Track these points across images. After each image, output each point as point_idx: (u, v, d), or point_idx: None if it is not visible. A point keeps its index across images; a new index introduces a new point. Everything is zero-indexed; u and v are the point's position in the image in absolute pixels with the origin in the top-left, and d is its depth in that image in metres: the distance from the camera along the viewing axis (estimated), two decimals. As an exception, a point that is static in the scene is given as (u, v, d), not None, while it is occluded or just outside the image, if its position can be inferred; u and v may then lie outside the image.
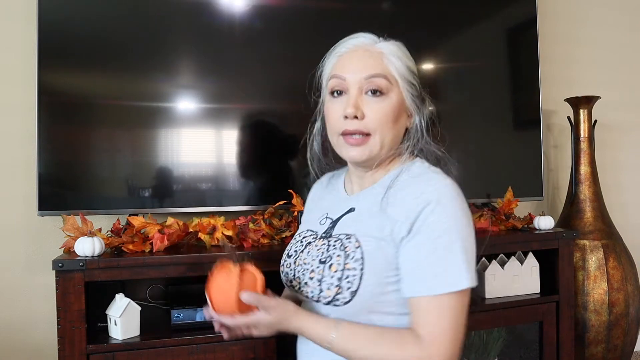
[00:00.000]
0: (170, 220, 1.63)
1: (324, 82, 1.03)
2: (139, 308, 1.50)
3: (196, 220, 1.67)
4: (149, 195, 1.77)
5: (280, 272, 1.07)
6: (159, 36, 1.80)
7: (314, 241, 1.01)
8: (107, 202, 1.74)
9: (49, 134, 1.68)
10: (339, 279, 0.90)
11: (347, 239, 0.94)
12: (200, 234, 1.64)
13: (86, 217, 1.57)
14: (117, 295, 1.48)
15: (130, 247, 1.55)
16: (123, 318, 1.45)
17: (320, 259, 0.95)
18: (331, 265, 0.92)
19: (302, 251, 1.02)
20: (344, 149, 0.97)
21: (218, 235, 1.63)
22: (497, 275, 1.85)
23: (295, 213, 1.72)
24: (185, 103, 1.82)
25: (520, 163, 2.20)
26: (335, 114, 0.97)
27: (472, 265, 0.87)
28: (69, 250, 1.56)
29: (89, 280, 1.43)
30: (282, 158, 1.91)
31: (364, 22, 2.00)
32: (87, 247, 1.45)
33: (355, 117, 0.93)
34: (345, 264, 0.90)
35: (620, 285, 2.08)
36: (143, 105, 1.78)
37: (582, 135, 2.21)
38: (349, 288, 0.89)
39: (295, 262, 1.02)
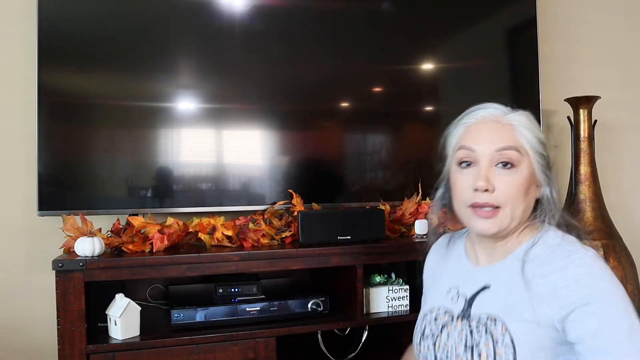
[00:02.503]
0: (170, 220, 1.63)
1: (450, 152, 1.03)
2: (139, 308, 1.50)
3: (196, 220, 1.67)
4: (149, 196, 1.77)
5: (416, 352, 1.05)
6: (159, 36, 1.80)
7: (452, 322, 0.98)
8: (107, 202, 1.74)
9: (49, 134, 1.68)
10: None
11: (491, 322, 0.91)
12: (200, 234, 1.64)
13: (86, 217, 1.57)
14: (117, 295, 1.48)
15: (130, 247, 1.55)
16: (123, 318, 1.45)
17: (465, 344, 0.93)
18: (480, 353, 0.90)
19: (439, 333, 1.00)
20: (474, 221, 0.96)
21: (218, 235, 1.63)
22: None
23: (295, 213, 1.71)
24: (185, 103, 1.82)
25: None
26: (464, 185, 0.96)
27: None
28: (69, 250, 1.56)
29: (89, 280, 1.42)
30: (282, 158, 1.91)
31: (364, 22, 2.04)
32: (87, 247, 1.45)
33: (486, 190, 0.92)
34: (495, 352, 0.88)
35: (620, 285, 2.07)
36: (143, 105, 1.78)
37: (582, 135, 2.21)
38: None
39: (435, 345, 1.00)
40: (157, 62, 1.79)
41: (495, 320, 0.90)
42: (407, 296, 1.71)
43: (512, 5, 2.26)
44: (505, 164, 0.93)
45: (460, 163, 0.97)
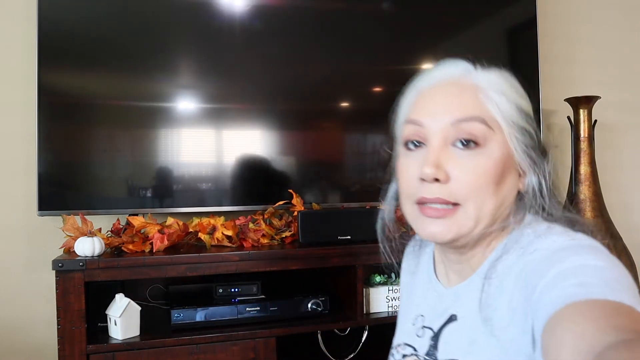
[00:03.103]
0: (170, 220, 1.63)
1: (397, 129, 0.76)
2: (139, 308, 1.50)
3: (196, 220, 1.67)
4: (149, 196, 1.77)
5: None
6: (159, 36, 1.80)
7: None
8: (107, 202, 1.74)
9: (49, 134, 1.68)
10: None
11: None
12: (200, 234, 1.64)
13: (86, 217, 1.57)
14: (117, 295, 1.48)
15: (130, 247, 1.55)
16: (123, 318, 1.45)
17: None
18: None
19: None
20: (420, 224, 0.69)
21: (218, 235, 1.63)
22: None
23: (295, 213, 1.72)
24: (185, 103, 1.82)
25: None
26: (409, 173, 0.70)
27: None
28: (69, 250, 1.56)
29: (89, 280, 1.43)
30: (282, 158, 1.91)
31: (364, 22, 2.04)
32: (87, 247, 1.45)
33: (437, 179, 0.66)
34: None
35: (620, 285, 2.07)
36: (143, 105, 1.78)
37: (582, 135, 2.21)
38: None
39: None
40: (157, 62, 1.79)
41: None
42: (407, 296, 1.71)
43: (512, 4, 2.26)
44: (466, 143, 0.66)
45: (407, 143, 0.71)
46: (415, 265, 0.88)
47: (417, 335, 0.77)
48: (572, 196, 2.20)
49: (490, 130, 0.66)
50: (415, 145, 0.70)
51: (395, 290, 1.70)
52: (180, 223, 1.63)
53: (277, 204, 1.77)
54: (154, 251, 1.56)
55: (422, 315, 0.78)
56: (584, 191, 2.19)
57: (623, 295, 0.50)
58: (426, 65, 2.11)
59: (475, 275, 0.71)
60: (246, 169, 1.87)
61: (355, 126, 2.05)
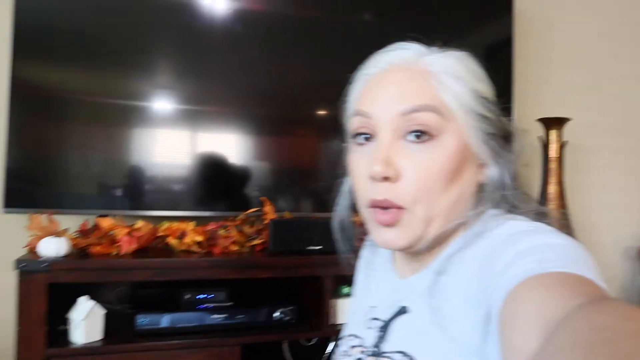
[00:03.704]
0: (139, 223, 1.61)
1: (346, 121, 0.70)
2: (103, 311, 1.47)
3: (166, 224, 1.65)
4: (120, 196, 1.74)
5: None
6: (138, 34, 1.78)
7: (363, 359, 0.71)
8: (76, 201, 1.70)
9: (19, 128, 1.64)
10: None
11: None
12: (169, 239, 1.62)
13: (55, 216, 1.53)
14: (80, 298, 1.45)
15: (98, 249, 1.53)
16: (86, 321, 1.42)
17: None
18: None
19: None
20: (374, 230, 0.64)
21: (187, 240, 1.62)
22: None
23: (267, 221, 1.71)
24: (162, 103, 1.81)
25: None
26: (359, 172, 0.65)
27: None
28: (33, 250, 1.52)
29: (53, 281, 1.40)
30: (257, 164, 1.91)
31: (345, 33, 2.04)
32: (52, 247, 1.42)
33: (387, 178, 0.60)
34: None
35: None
36: (119, 103, 1.76)
37: (551, 155, 2.26)
38: None
39: None
40: (135, 60, 1.77)
41: None
42: (374, 308, 1.72)
43: (490, 24, 2.30)
44: (419, 135, 0.60)
45: (356, 136, 0.65)
46: (372, 256, 0.82)
47: (367, 327, 0.73)
48: (540, 215, 2.25)
49: (445, 119, 0.60)
50: (366, 139, 0.64)
51: (363, 302, 1.71)
52: (150, 226, 1.61)
53: (248, 211, 1.76)
54: (121, 254, 1.54)
55: (373, 307, 0.74)
56: (552, 210, 2.23)
57: (584, 269, 0.49)
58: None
59: (428, 269, 0.66)
60: (220, 173, 1.86)
61: (332, 135, 2.05)
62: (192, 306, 1.60)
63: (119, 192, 1.75)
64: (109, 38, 1.75)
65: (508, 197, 0.64)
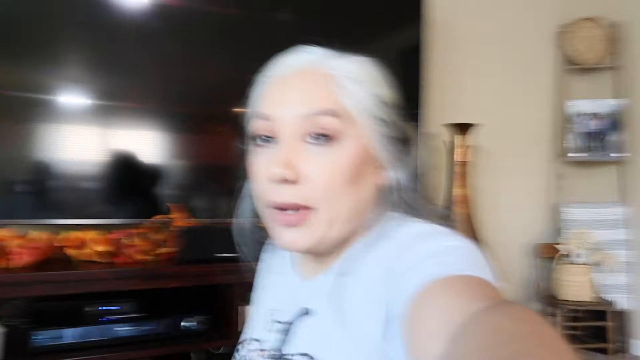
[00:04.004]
0: (32, 234, 1.51)
1: (247, 123, 0.69)
2: (3, 330, 1.36)
3: (63, 234, 1.56)
4: (17, 204, 1.63)
5: None
6: (47, 23, 1.68)
7: None
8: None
9: None
10: None
11: None
12: (67, 249, 1.53)
13: None
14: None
15: (-15, 262, 1.42)
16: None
17: None
18: None
19: None
20: (274, 232, 0.64)
21: (87, 250, 1.54)
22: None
23: (174, 228, 1.66)
24: (69, 97, 1.71)
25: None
26: (259, 173, 0.64)
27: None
28: None
29: None
30: (171, 163, 1.85)
31: (262, 31, 2.03)
32: None
33: (287, 180, 0.60)
34: None
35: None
36: (18, 95, 1.65)
37: (457, 159, 2.36)
38: None
39: None
40: (41, 50, 1.66)
41: None
42: (285, 314, 1.72)
43: (400, 31, 2.37)
44: (318, 137, 0.61)
45: (256, 139, 0.66)
46: (272, 257, 0.82)
47: (267, 330, 0.72)
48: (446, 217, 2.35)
49: (345, 123, 0.62)
50: (265, 141, 0.64)
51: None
52: (44, 236, 1.52)
53: (154, 218, 1.70)
54: (12, 267, 1.44)
55: (274, 310, 0.73)
56: (457, 212, 2.34)
57: (481, 271, 0.51)
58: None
59: (330, 270, 0.67)
60: (131, 176, 1.79)
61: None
62: (95, 319, 1.52)
63: (14, 198, 1.63)
64: (14, 26, 1.63)
65: (406, 200, 0.66)
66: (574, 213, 2.97)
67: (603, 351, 2.90)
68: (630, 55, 3.04)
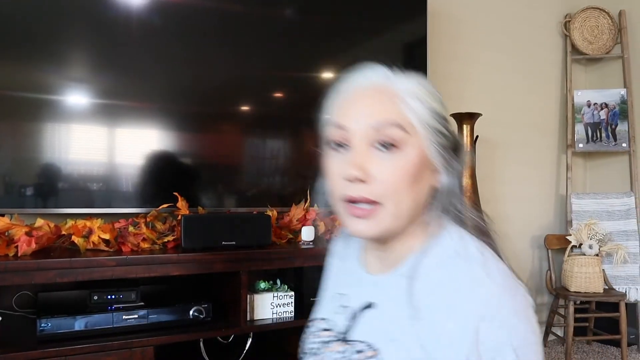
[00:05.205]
0: (39, 222, 1.51)
1: (323, 130, 0.81)
2: (-1, 318, 1.37)
3: (70, 222, 1.56)
4: (27, 194, 1.64)
5: None
6: (50, 23, 1.68)
7: (332, 342, 0.82)
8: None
9: None
10: None
11: (370, 355, 0.74)
12: (73, 237, 1.53)
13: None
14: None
15: (-8, 250, 1.42)
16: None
17: None
18: None
19: (319, 351, 0.84)
20: (348, 222, 0.76)
21: (94, 238, 1.54)
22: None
23: (179, 217, 1.66)
24: (76, 97, 1.72)
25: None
26: (335, 172, 0.76)
27: None
28: None
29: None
30: (171, 160, 1.85)
31: (266, 27, 2.03)
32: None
33: (360, 179, 0.72)
34: None
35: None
36: (28, 96, 1.66)
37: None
38: None
39: None
40: (47, 51, 1.67)
41: (374, 353, 0.74)
42: (292, 302, 1.71)
43: (405, 23, 2.36)
44: (386, 145, 0.73)
45: (332, 144, 0.77)
46: (343, 249, 0.94)
47: (335, 312, 0.84)
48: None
49: (407, 134, 0.73)
50: (340, 147, 0.76)
51: (281, 297, 1.70)
52: (52, 225, 1.52)
53: (159, 207, 1.70)
54: (19, 255, 1.44)
55: (342, 294, 0.85)
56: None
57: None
58: (326, 74, 2.14)
59: (396, 271, 0.77)
60: (136, 169, 1.79)
61: (253, 131, 2.04)
62: (102, 308, 1.52)
63: (26, 190, 1.65)
64: (17, 26, 1.64)
65: (454, 203, 0.78)
66: (584, 204, 2.94)
67: (615, 343, 2.87)
68: (638, 44, 3.01)
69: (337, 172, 0.75)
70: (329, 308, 0.87)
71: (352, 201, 0.73)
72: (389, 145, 0.72)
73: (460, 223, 0.78)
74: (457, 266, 0.73)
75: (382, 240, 0.78)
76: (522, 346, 0.69)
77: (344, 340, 0.79)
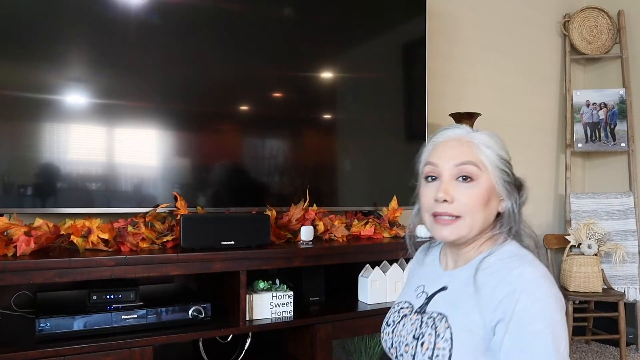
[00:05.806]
0: (38, 222, 1.51)
1: (420, 168, 1.11)
2: (-3, 318, 1.37)
3: (69, 222, 1.56)
4: (25, 194, 1.64)
5: (381, 338, 1.16)
6: (48, 22, 1.68)
7: (410, 314, 1.09)
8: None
9: None
10: (430, 357, 0.97)
11: (439, 318, 1.00)
12: (72, 237, 1.53)
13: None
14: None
15: (-10, 250, 1.42)
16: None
17: (413, 335, 1.03)
18: (423, 342, 1.00)
19: (398, 322, 1.10)
20: (436, 228, 1.04)
21: (93, 238, 1.54)
22: (379, 282, 1.90)
23: (178, 217, 1.66)
24: (74, 97, 1.71)
25: (406, 173, 2.29)
26: (427, 196, 1.05)
27: (562, 352, 0.91)
28: None
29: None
30: (174, 160, 1.85)
31: (265, 26, 2.02)
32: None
33: (445, 200, 1.00)
34: (435, 343, 0.97)
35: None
36: (27, 96, 1.66)
37: (463, 148, 2.34)
38: None
39: (392, 332, 1.11)
40: (45, 50, 1.67)
41: (443, 317, 1.00)
42: (291, 302, 1.71)
43: (405, 23, 2.36)
44: (465, 178, 1.01)
45: (427, 177, 1.06)
46: (423, 257, 1.22)
47: (417, 296, 1.11)
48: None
49: (480, 170, 1.01)
50: (432, 179, 1.05)
51: (280, 297, 1.70)
52: (50, 225, 1.52)
53: (159, 207, 1.70)
54: (18, 255, 1.44)
55: (421, 285, 1.13)
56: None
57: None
58: (325, 74, 2.14)
59: (469, 265, 1.04)
60: (135, 169, 1.79)
61: (252, 130, 2.03)
62: (101, 308, 1.52)
63: (24, 190, 1.65)
64: (16, 26, 1.63)
65: (513, 225, 1.05)
66: (582, 204, 2.94)
67: (614, 342, 2.88)
68: (637, 44, 3.01)
69: (430, 196, 1.04)
70: (410, 294, 1.14)
71: (440, 215, 1.02)
72: (467, 178, 1.01)
73: (520, 241, 1.06)
74: (512, 260, 0.98)
75: (458, 245, 1.06)
76: (551, 324, 0.90)
77: (421, 312, 1.06)
